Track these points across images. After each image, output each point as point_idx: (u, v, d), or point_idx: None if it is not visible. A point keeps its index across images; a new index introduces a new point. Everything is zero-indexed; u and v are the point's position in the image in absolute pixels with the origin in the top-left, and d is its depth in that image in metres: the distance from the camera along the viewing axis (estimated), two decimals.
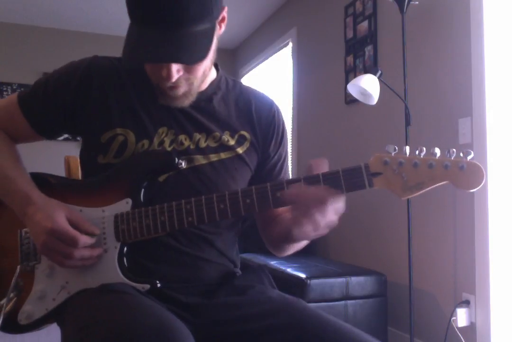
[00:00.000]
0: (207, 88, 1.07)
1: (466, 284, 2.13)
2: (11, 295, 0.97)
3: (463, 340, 2.09)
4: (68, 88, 1.03)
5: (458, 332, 2.10)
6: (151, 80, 1.00)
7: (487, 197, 2.02)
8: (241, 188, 0.90)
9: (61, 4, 4.18)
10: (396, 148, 0.83)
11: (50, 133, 1.10)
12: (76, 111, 1.03)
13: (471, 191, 0.80)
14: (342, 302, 2.33)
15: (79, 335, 0.78)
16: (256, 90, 1.17)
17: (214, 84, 1.09)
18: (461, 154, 0.81)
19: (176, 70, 0.92)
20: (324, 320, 0.88)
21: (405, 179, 0.82)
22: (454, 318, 2.10)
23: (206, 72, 1.01)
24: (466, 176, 0.80)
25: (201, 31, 0.89)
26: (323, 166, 0.87)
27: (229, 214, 0.89)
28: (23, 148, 1.12)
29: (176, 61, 0.89)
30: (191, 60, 0.90)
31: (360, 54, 2.93)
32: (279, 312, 0.91)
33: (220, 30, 0.98)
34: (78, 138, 1.10)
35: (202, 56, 0.90)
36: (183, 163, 0.97)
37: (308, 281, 2.26)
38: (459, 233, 2.18)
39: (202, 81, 1.02)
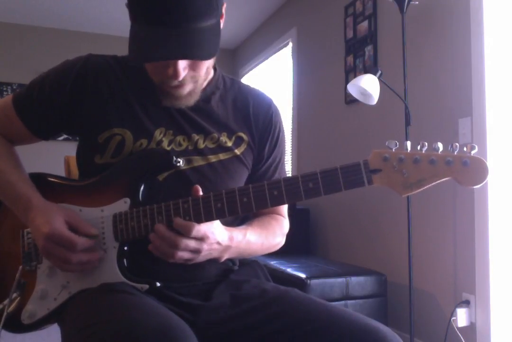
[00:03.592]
0: (205, 88, 1.06)
1: (466, 284, 2.13)
2: (14, 294, 0.97)
3: (463, 340, 2.09)
4: (63, 87, 1.01)
5: (458, 332, 2.09)
6: (152, 80, 0.99)
7: (487, 197, 2.02)
8: (238, 187, 0.89)
9: (61, 4, 4.18)
10: (397, 143, 0.81)
11: (46, 135, 1.09)
12: (73, 111, 1.02)
13: (475, 187, 0.77)
14: (342, 302, 2.32)
15: (80, 335, 0.78)
16: (254, 89, 1.16)
17: (213, 84, 1.08)
18: (465, 149, 0.77)
19: (183, 68, 0.90)
20: (316, 304, 0.90)
21: (405, 176, 0.79)
22: (454, 318, 2.10)
23: (209, 70, 1.00)
24: (470, 171, 0.76)
25: (208, 27, 0.88)
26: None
27: (226, 212, 0.88)
28: (23, 148, 1.12)
29: (190, 58, 0.88)
30: (204, 56, 0.88)
31: (360, 54, 2.93)
32: (272, 302, 0.92)
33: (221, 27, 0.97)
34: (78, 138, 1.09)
35: (214, 52, 0.89)
36: (180, 162, 0.96)
37: (308, 281, 2.26)
38: (459, 233, 2.18)
39: (205, 79, 1.01)
